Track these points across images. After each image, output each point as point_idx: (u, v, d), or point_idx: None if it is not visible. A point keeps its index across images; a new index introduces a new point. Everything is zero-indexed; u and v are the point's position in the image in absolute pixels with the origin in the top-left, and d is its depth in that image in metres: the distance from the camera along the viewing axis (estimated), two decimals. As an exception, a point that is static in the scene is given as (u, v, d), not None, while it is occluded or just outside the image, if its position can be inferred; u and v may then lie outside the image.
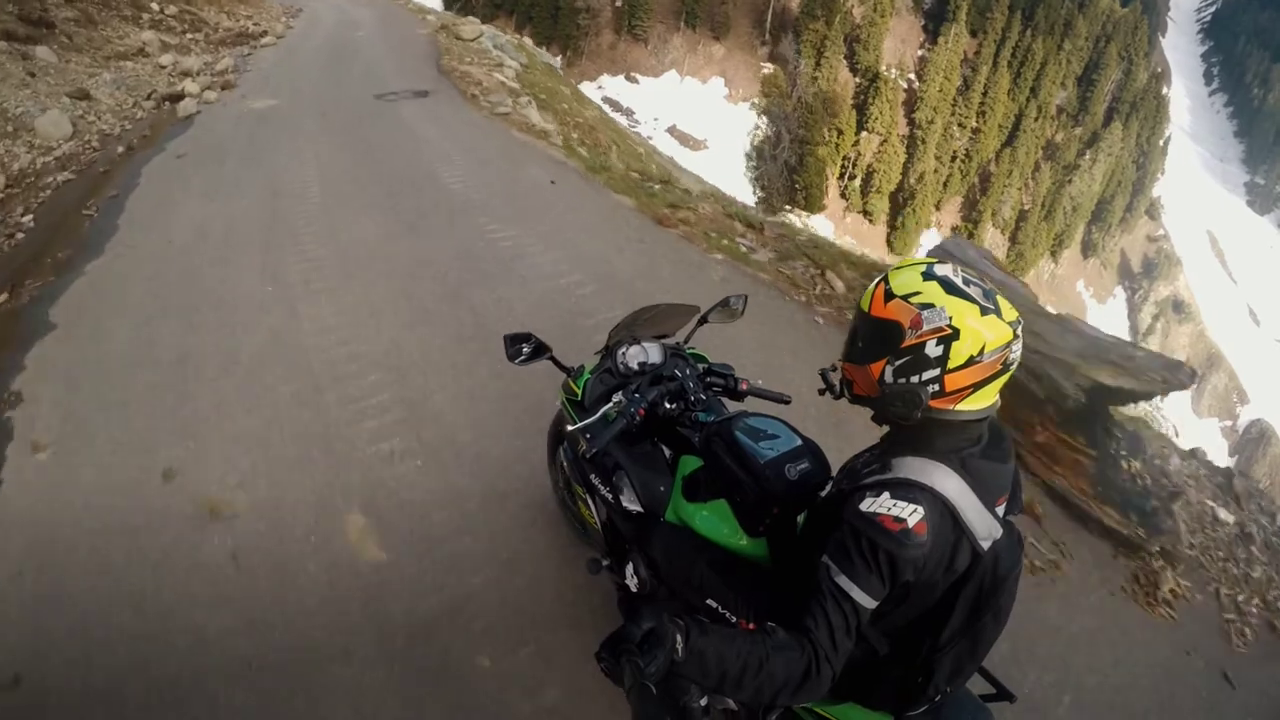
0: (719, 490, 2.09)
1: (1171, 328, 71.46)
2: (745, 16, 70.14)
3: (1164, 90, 76.53)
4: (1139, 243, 75.96)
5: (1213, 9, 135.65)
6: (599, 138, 13.53)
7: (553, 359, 2.58)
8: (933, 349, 1.50)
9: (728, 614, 1.97)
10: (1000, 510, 1.59)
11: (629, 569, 2.29)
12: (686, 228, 7.24)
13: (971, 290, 1.50)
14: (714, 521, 2.09)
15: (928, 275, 1.54)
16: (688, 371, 2.44)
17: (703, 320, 2.65)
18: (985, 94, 64.95)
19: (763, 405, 2.46)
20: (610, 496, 2.39)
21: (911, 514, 1.44)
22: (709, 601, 2.01)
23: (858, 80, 64.93)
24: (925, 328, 1.50)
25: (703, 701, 1.93)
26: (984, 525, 1.53)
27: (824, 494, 1.94)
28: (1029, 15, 67.48)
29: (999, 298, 1.53)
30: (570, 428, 2.33)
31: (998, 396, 1.58)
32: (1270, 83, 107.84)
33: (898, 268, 1.61)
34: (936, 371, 1.51)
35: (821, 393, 1.91)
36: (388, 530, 3.64)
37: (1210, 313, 77.31)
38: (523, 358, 2.51)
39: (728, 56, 69.37)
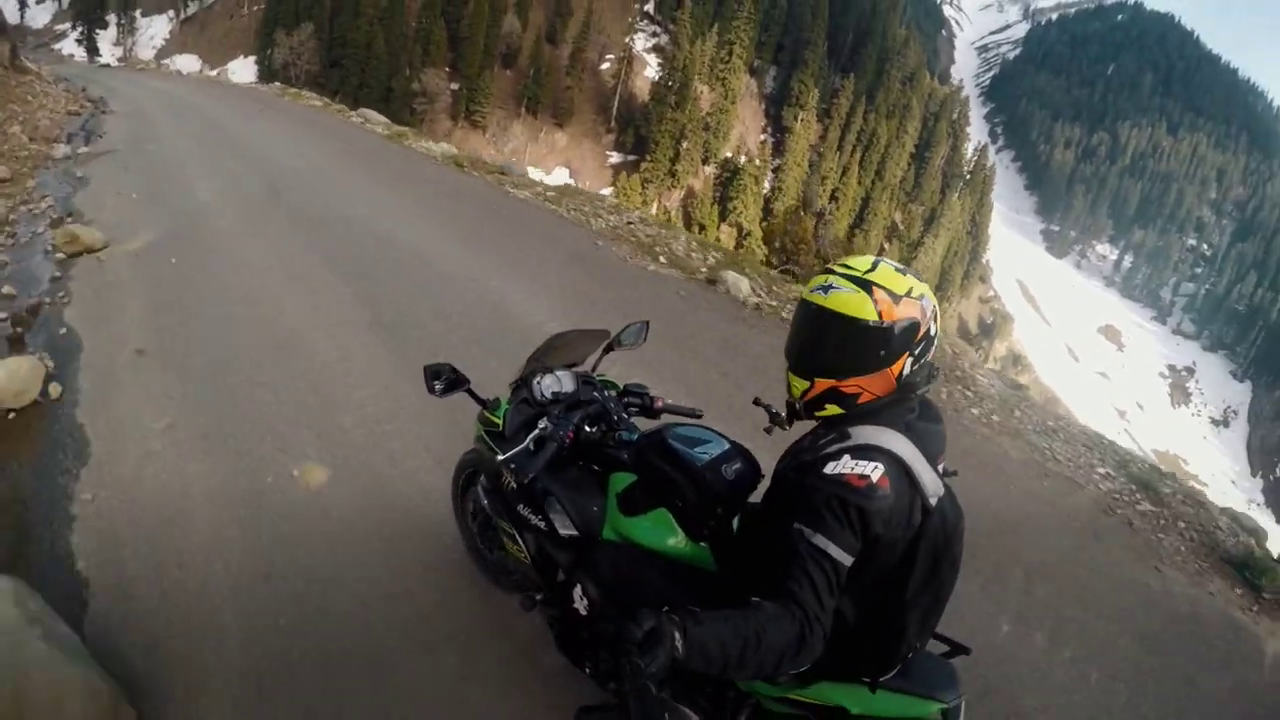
0: (657, 500, 2.06)
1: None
2: (589, 103, 66.18)
3: (989, 161, 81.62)
4: (974, 306, 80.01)
5: (991, 74, 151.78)
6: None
7: (469, 391, 2.49)
8: (934, 328, 1.67)
9: None
10: (941, 469, 1.68)
11: (576, 593, 2.16)
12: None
13: (908, 270, 1.67)
14: (656, 531, 2.06)
15: (900, 270, 1.65)
16: (606, 394, 2.48)
17: (609, 348, 2.65)
18: (841, 177, 65.25)
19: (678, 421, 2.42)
20: (543, 524, 2.31)
21: (874, 470, 1.50)
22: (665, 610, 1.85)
23: (714, 170, 62.82)
24: (928, 313, 1.63)
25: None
26: (932, 482, 1.60)
27: (765, 488, 1.91)
28: (871, 98, 68.93)
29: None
30: (500, 457, 2.15)
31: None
32: (1053, 139, 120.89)
33: (869, 272, 1.63)
34: (935, 344, 1.70)
35: (768, 430, 1.96)
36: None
37: (1038, 359, 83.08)
38: (440, 389, 2.41)
39: (572, 145, 64.93)
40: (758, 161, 62.94)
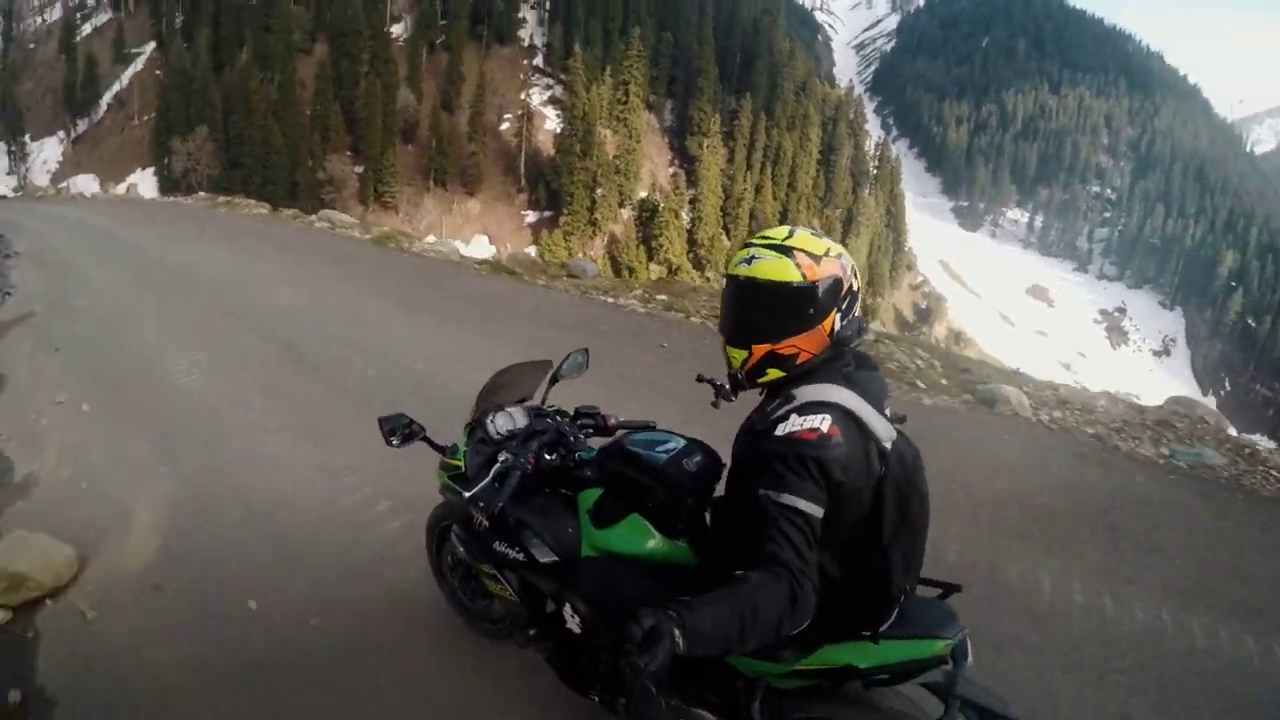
0: (627, 506, 2.10)
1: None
2: (495, 166, 65.77)
3: (893, 153, 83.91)
4: (905, 295, 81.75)
5: (872, 69, 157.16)
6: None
7: (426, 439, 2.54)
8: (856, 284, 1.77)
9: None
10: (888, 414, 1.74)
11: (566, 612, 2.17)
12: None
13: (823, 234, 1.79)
14: (632, 536, 2.09)
15: (815, 234, 1.76)
16: (559, 419, 2.54)
17: (554, 379, 2.70)
18: (756, 195, 66.13)
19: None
20: (521, 557, 2.32)
21: (822, 421, 1.57)
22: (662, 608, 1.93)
23: (632, 212, 62.99)
24: (848, 270, 1.74)
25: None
26: (883, 428, 1.67)
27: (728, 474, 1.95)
28: (770, 113, 70.23)
29: None
30: (467, 494, 2.15)
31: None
32: (944, 119, 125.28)
33: (788, 239, 1.72)
34: (859, 299, 1.79)
35: (714, 404, 2.12)
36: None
37: (977, 332, 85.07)
38: (397, 441, 2.43)
39: (486, 211, 64.37)
40: (673, 196, 63.39)
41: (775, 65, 74.06)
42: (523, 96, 70.13)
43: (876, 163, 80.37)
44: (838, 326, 1.73)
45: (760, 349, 1.76)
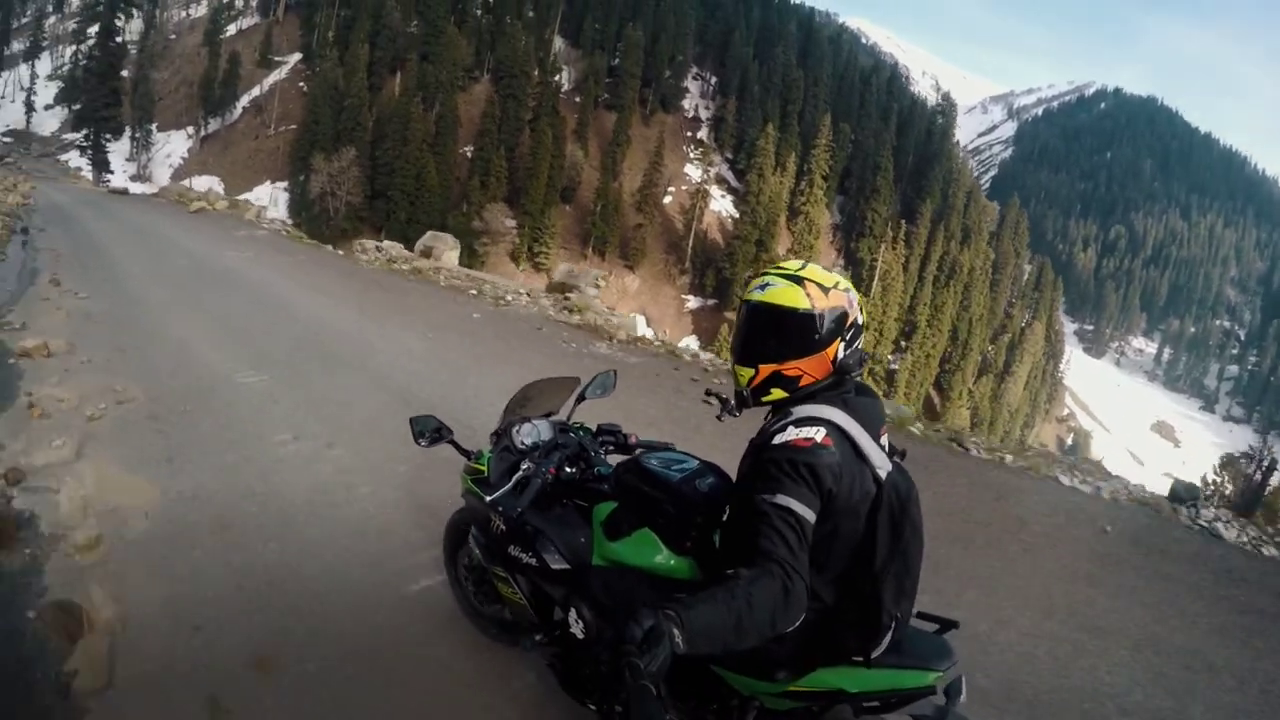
0: (639, 520, 2.17)
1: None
2: (656, 242, 61.42)
3: (1051, 275, 78.84)
4: (1051, 428, 76.02)
5: (990, 175, 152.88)
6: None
7: (454, 443, 2.65)
8: (860, 317, 1.87)
9: None
10: (884, 443, 1.83)
11: (571, 617, 2.22)
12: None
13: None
14: (642, 550, 2.15)
15: (825, 270, 1.87)
16: (582, 434, 2.65)
17: (581, 398, 2.79)
18: (934, 315, 61.24)
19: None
20: (534, 562, 2.40)
21: (817, 432, 1.66)
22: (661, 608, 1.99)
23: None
24: (854, 304, 1.85)
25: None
26: (877, 455, 1.75)
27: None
28: (945, 223, 65.53)
29: None
30: (488, 498, 2.34)
31: None
32: (1069, 236, 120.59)
33: (800, 270, 1.84)
34: (862, 332, 1.89)
35: (719, 417, 2.22)
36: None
37: (1111, 468, 78.83)
38: (426, 441, 2.58)
39: (645, 289, 59.92)
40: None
41: (950, 171, 69.60)
42: (685, 170, 66.14)
43: (1034, 284, 75.33)
44: (841, 355, 1.82)
45: (766, 369, 1.86)
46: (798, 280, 1.80)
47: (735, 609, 1.45)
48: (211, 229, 17.47)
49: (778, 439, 1.69)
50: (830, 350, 1.81)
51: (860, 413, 1.78)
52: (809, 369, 1.84)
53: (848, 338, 1.83)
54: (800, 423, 1.71)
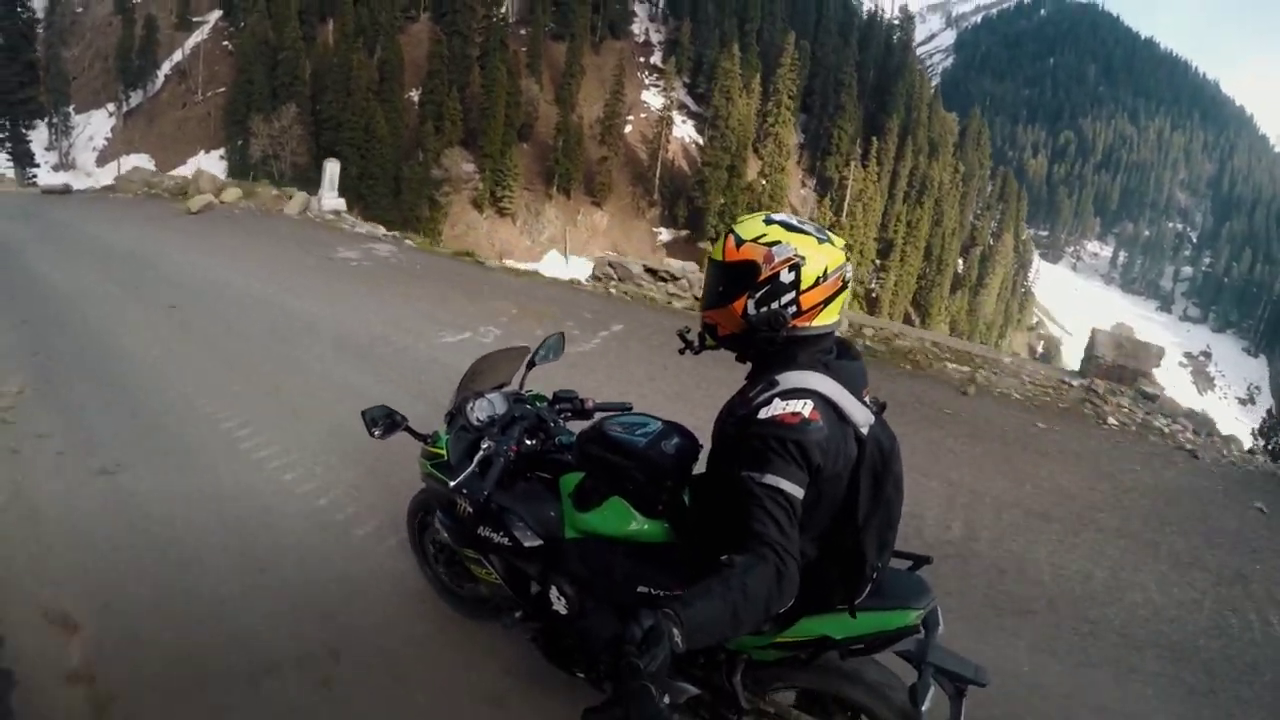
0: (608, 489, 2.15)
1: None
2: (622, 174, 59.30)
3: (1017, 186, 78.86)
4: (1022, 337, 77.13)
5: (934, 85, 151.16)
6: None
7: (409, 429, 2.56)
8: (786, 276, 1.72)
9: (661, 594, 2.01)
10: (868, 400, 1.83)
11: (552, 594, 2.24)
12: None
13: (807, 226, 1.77)
14: (613, 518, 2.14)
15: (769, 221, 1.78)
16: (538, 404, 2.60)
17: (530, 364, 2.75)
18: (909, 229, 60.71)
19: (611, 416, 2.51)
20: (506, 541, 2.35)
21: (804, 406, 1.63)
22: (640, 589, 2.05)
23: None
24: (776, 260, 1.72)
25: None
26: (860, 414, 1.73)
27: (708, 453, 2.01)
28: (913, 137, 64.61)
29: (828, 232, 1.81)
30: (452, 483, 2.24)
31: (839, 314, 1.84)
32: (1019, 143, 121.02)
33: (740, 221, 1.81)
34: (793, 294, 1.74)
35: (682, 351, 2.09)
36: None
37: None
38: (380, 432, 2.46)
39: (615, 225, 58.04)
40: (818, 220, 57.77)
41: (912, 84, 68.40)
42: (644, 98, 63.72)
43: (998, 193, 75.38)
44: (751, 311, 1.76)
45: (703, 315, 1.91)
46: (730, 231, 1.79)
47: (731, 601, 1.46)
48: (295, 252, 10.86)
49: (763, 413, 1.65)
50: (737, 304, 1.77)
51: (842, 375, 1.75)
52: (720, 320, 1.84)
53: (757, 295, 1.75)
54: (787, 395, 1.66)
